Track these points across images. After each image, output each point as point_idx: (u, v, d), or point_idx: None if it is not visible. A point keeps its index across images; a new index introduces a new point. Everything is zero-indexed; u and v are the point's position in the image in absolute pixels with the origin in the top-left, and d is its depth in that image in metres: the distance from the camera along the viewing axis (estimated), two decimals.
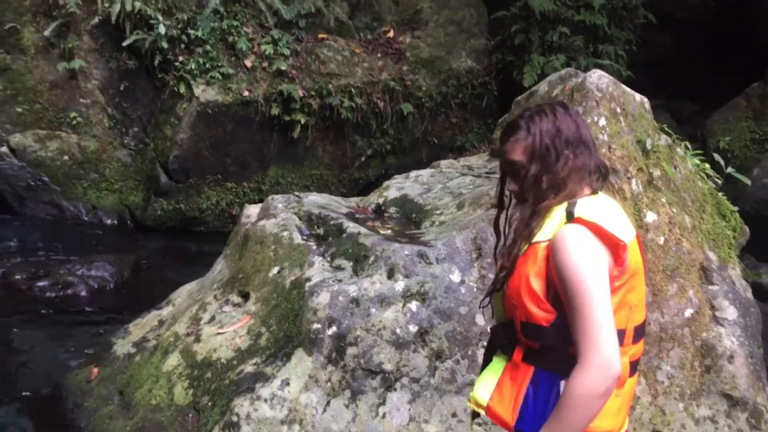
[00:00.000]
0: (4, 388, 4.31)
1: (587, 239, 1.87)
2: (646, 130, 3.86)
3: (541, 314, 1.89)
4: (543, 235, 1.92)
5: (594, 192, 2.02)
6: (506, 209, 2.20)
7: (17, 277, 5.84)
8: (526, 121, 2.00)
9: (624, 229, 1.94)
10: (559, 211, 1.93)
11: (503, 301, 2.02)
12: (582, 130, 2.00)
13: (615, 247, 1.88)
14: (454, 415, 3.34)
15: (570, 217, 1.90)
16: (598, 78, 3.82)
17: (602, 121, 3.71)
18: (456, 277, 3.44)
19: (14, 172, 7.63)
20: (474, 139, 9.56)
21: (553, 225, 1.92)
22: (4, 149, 7.57)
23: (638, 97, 3.95)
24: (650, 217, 3.63)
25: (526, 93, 4.71)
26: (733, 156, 8.08)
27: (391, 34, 9.39)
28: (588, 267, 1.82)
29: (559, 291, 1.86)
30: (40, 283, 5.78)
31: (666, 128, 4.19)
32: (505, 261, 1.98)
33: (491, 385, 2.00)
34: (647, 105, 3.97)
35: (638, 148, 3.77)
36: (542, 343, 1.91)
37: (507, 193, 2.16)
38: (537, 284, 1.88)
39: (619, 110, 3.79)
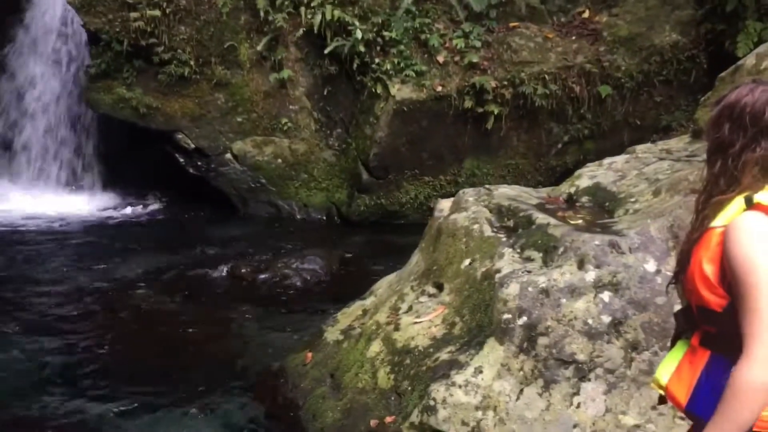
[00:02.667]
0: (233, 368, 4.89)
1: (763, 226, 1.79)
2: None
3: (714, 299, 1.86)
4: (719, 221, 1.88)
5: None
6: None
7: (243, 270, 6.55)
8: (732, 89, 1.94)
9: None
10: (738, 199, 1.87)
11: (683, 285, 2.01)
12: None
13: None
14: (653, 408, 3.24)
15: (749, 204, 1.83)
16: None
17: None
18: (651, 266, 3.33)
19: (237, 176, 8.53)
20: (681, 118, 8.94)
21: (730, 212, 1.87)
22: (228, 156, 8.50)
23: None
24: None
25: (731, 68, 4.39)
26: None
27: (586, 14, 9.08)
28: (758, 256, 1.76)
29: (732, 282, 1.82)
30: (262, 276, 6.44)
31: None
32: (683, 247, 1.99)
33: (672, 367, 2.02)
34: None
35: None
36: (717, 328, 1.90)
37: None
38: (710, 269, 1.86)
39: None
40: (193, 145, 8.47)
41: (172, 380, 4.70)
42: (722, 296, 1.86)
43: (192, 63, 8.21)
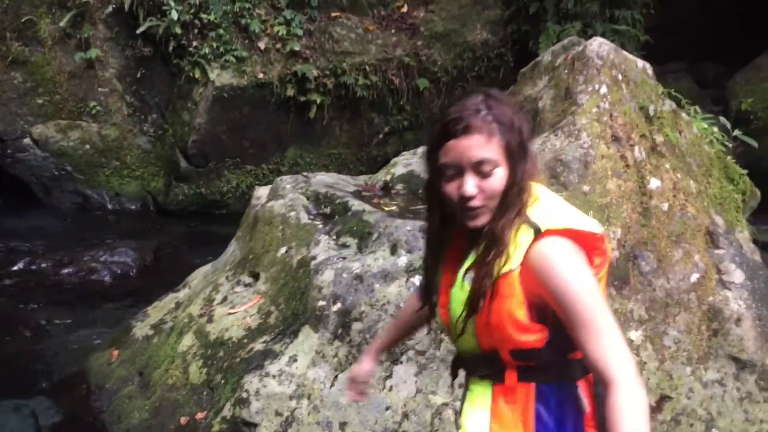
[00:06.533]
0: (30, 371, 4.47)
1: (569, 249, 1.70)
2: (649, 96, 3.82)
3: (533, 338, 1.74)
4: (513, 263, 1.70)
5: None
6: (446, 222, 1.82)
7: (43, 264, 6.03)
8: (492, 111, 1.68)
9: (587, 219, 1.79)
10: (521, 232, 1.70)
11: (477, 336, 1.79)
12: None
13: (594, 241, 1.74)
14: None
15: (538, 233, 1.69)
16: (598, 46, 3.78)
17: (603, 89, 3.68)
18: None
19: (38, 162, 7.83)
20: None
21: (521, 248, 1.69)
22: (27, 140, 7.76)
23: (641, 63, 3.90)
24: (654, 183, 3.60)
25: (530, 64, 4.67)
26: (756, 117, 7.92)
27: (404, 9, 9.32)
28: (584, 279, 1.67)
29: (559, 311, 1.68)
30: (65, 270, 5.95)
31: (673, 93, 4.11)
32: (471, 299, 1.74)
33: (485, 417, 1.82)
34: (650, 71, 3.92)
35: (641, 115, 3.73)
36: (538, 362, 1.77)
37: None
38: (521, 314, 1.72)
39: (620, 77, 3.75)
40: None
41: None
42: (540, 331, 1.73)
43: None
